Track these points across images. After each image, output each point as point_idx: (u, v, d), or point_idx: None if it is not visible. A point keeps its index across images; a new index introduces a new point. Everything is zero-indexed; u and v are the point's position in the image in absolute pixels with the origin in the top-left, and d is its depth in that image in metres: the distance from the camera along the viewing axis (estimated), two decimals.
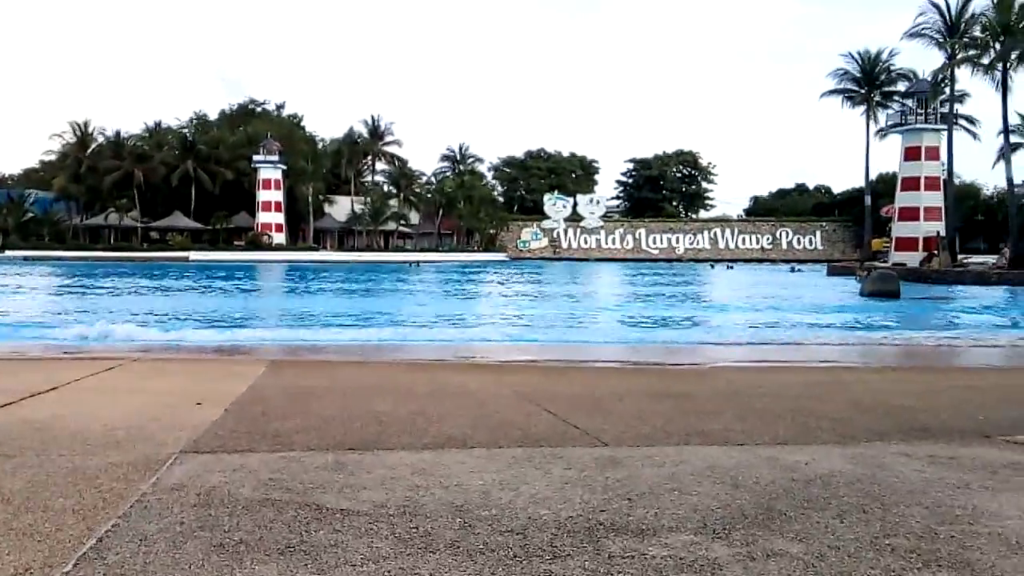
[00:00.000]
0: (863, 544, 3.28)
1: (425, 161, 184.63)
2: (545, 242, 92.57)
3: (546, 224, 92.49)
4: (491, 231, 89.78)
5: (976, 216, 74.15)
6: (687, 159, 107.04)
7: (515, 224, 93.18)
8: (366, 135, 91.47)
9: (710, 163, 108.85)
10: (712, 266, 73.30)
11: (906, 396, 7.46)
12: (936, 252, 50.13)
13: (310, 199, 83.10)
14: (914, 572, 3.00)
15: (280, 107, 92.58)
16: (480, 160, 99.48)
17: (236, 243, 77.60)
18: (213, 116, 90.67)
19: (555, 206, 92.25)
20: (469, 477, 4.24)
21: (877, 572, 3.01)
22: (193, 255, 70.83)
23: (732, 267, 71.32)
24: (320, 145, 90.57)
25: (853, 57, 65.15)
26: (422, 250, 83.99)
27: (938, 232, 52.26)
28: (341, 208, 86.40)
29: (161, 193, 78.24)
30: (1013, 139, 49.67)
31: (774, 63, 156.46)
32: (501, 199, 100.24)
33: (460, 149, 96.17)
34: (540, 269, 66.30)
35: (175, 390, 7.15)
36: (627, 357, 12.92)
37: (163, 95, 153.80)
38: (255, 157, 79.09)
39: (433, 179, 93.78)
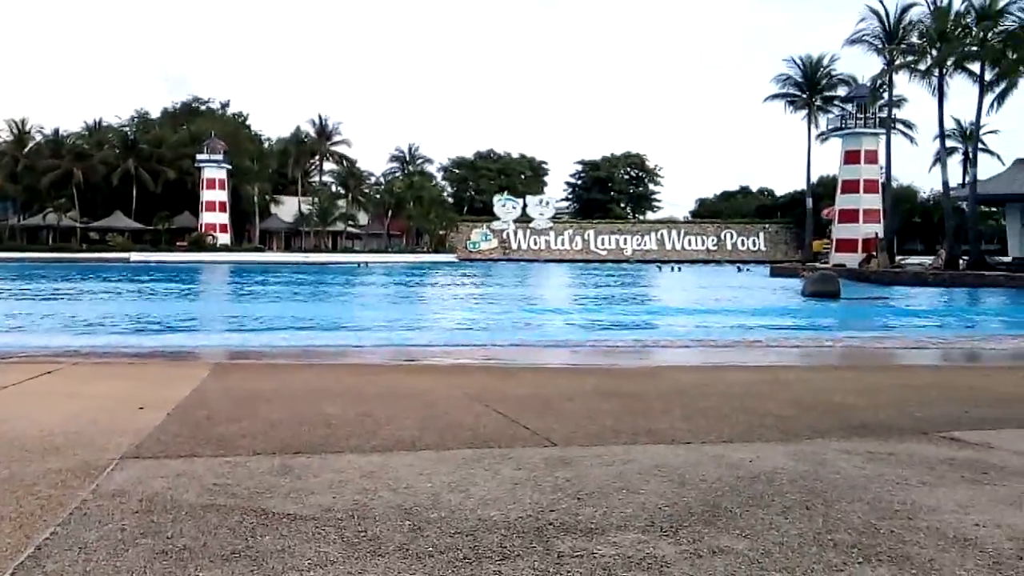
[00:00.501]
0: (806, 540, 3.35)
1: (374, 161, 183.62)
2: (495, 243, 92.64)
3: (496, 225, 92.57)
4: (441, 232, 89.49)
5: (913, 218, 76.28)
6: (635, 161, 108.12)
7: (465, 225, 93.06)
8: (313, 134, 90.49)
9: (657, 165, 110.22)
10: (660, 268, 74.15)
11: (846, 394, 7.64)
12: (875, 253, 51.49)
13: (256, 199, 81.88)
14: (855, 567, 3.07)
15: (225, 105, 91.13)
16: (430, 161, 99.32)
17: (179, 244, 76.08)
18: (155, 114, 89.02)
19: (505, 207, 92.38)
20: (418, 479, 4.22)
21: (820, 567, 3.07)
22: (134, 256, 69.26)
23: (680, 269, 72.22)
24: (266, 144, 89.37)
25: (795, 62, 66.70)
26: (371, 251, 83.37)
27: (877, 234, 53.69)
28: (288, 208, 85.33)
29: (101, 193, 76.29)
30: (948, 143, 51.46)
31: (720, 67, 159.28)
32: (451, 200, 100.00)
33: (410, 149, 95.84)
34: (490, 270, 66.34)
35: (116, 394, 6.97)
36: (577, 358, 13.01)
37: (103, 93, 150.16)
38: (199, 156, 77.64)
39: (382, 179, 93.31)
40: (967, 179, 45.94)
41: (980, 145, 50.29)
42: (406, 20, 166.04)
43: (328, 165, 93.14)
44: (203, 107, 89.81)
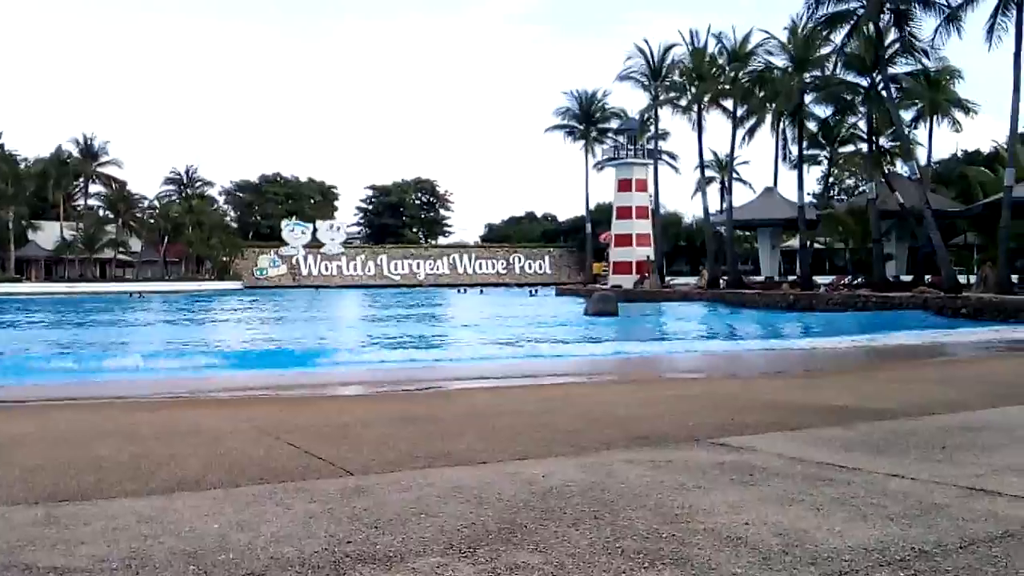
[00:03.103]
0: (596, 549, 3.50)
1: (148, 184, 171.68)
2: (284, 269, 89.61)
3: (284, 251, 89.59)
4: (224, 259, 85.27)
5: (679, 242, 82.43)
6: (425, 187, 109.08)
7: (251, 251, 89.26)
8: (77, 155, 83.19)
9: (448, 191, 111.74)
10: (460, 291, 74.90)
11: (629, 407, 8.10)
12: (647, 274, 55.24)
13: (11, 225, 73.91)
14: (641, 571, 3.25)
15: None
16: (210, 184, 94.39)
17: None
18: None
19: (293, 232, 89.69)
20: (204, 521, 3.97)
21: (609, 575, 3.22)
22: None
23: (483, 291, 73.39)
24: (22, 165, 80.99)
25: (573, 95, 70.23)
26: (146, 280, 77.82)
27: (648, 256, 57.62)
28: (49, 235, 77.66)
29: None
30: (707, 173, 55.93)
31: (507, 96, 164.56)
32: (235, 225, 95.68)
33: (188, 172, 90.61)
34: (278, 297, 64.07)
35: None
36: (373, 384, 12.84)
37: None
38: None
39: (157, 203, 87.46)
40: (724, 206, 50.36)
41: (735, 175, 55.32)
42: (182, 32, 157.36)
43: (95, 187, 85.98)
44: None
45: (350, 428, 6.85)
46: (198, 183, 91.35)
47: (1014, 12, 29.58)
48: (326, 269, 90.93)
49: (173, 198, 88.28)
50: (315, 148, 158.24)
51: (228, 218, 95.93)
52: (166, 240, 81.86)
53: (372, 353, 19.01)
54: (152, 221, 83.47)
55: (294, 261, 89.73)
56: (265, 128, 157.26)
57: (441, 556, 3.42)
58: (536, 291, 71.65)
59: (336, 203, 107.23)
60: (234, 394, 10.97)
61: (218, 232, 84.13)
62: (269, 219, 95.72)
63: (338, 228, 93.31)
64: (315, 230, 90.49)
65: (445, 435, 6.43)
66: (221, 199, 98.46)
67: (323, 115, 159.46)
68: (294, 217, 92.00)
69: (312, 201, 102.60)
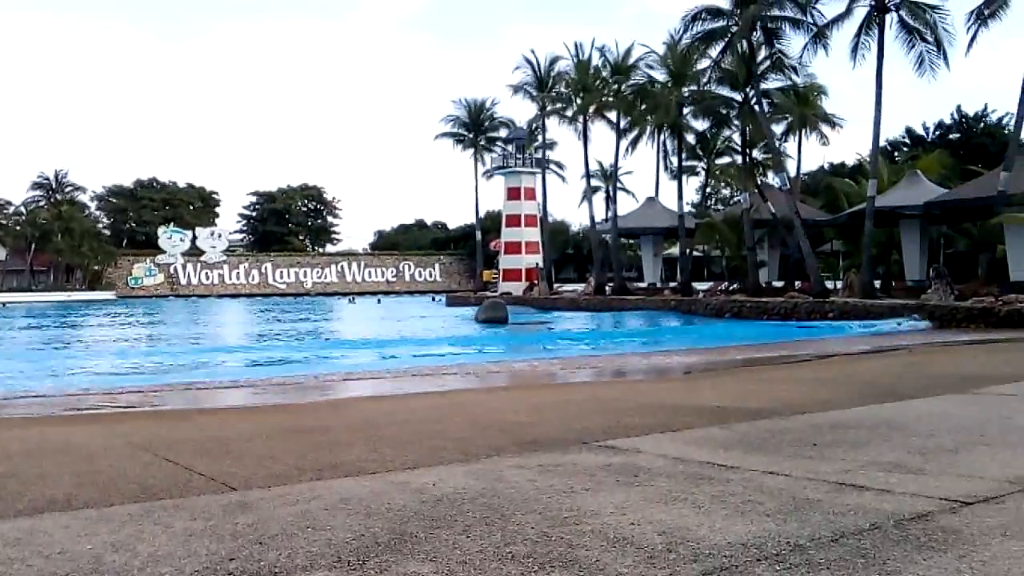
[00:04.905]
0: (487, 555, 3.52)
1: (12, 189, 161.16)
2: (161, 278, 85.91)
3: (161, 259, 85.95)
4: (96, 267, 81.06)
5: (567, 249, 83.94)
6: (312, 193, 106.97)
7: (126, 260, 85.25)
8: None
9: (335, 198, 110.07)
10: (350, 300, 73.62)
11: (518, 412, 8.18)
12: (537, 282, 55.98)
13: None
14: (532, 575, 3.29)
15: None
16: (82, 189, 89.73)
17: None
18: None
19: (171, 240, 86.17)
20: (76, 542, 3.76)
21: None
22: None
23: (380, 300, 72.35)
24: None
25: (463, 103, 70.48)
26: (10, 290, 73.12)
27: (537, 264, 58.43)
28: None
29: None
30: (593, 182, 57.16)
31: (395, 102, 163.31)
32: (108, 232, 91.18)
33: (56, 176, 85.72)
34: (154, 307, 61.37)
35: None
36: (257, 396, 12.47)
37: None
38: None
39: (23, 209, 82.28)
40: (609, 215, 51.56)
41: (619, 184, 56.68)
42: (49, 29, 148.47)
43: None
44: None
45: (233, 442, 6.64)
46: (68, 188, 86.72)
47: (876, 32, 31.63)
48: (207, 278, 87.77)
49: (41, 204, 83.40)
50: (195, 152, 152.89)
51: (101, 225, 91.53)
52: (33, 248, 77.18)
53: (257, 364, 18.50)
54: (18, 228, 78.57)
55: (172, 270, 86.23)
56: (141, 131, 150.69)
57: (329, 570, 3.36)
58: (436, 298, 71.37)
59: (217, 209, 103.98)
60: (109, 409, 10.44)
61: (89, 240, 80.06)
62: (145, 226, 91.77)
63: (219, 235, 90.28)
64: (195, 237, 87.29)
65: (333, 446, 6.32)
66: (93, 205, 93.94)
67: (203, 119, 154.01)
68: (172, 224, 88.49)
69: (191, 207, 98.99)
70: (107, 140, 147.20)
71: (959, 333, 22.72)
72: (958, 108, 56.19)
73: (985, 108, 55.93)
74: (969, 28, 29.90)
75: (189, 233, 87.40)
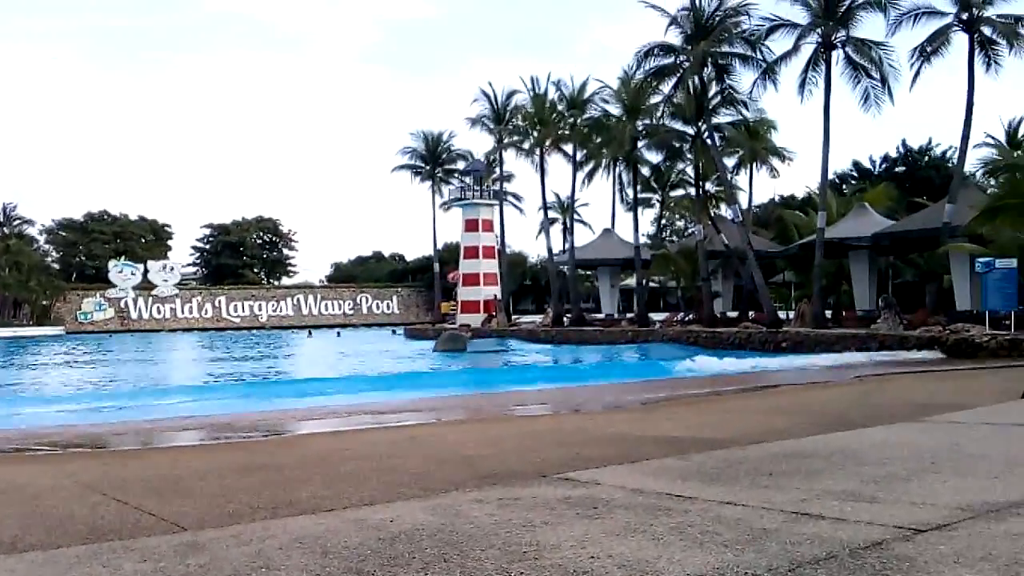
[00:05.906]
0: None
1: None
2: (111, 313, 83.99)
3: (112, 293, 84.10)
4: (44, 302, 79.11)
5: (525, 280, 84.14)
6: (267, 226, 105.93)
7: (75, 294, 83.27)
8: None
9: (291, 230, 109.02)
10: (308, 334, 72.70)
11: (477, 446, 8.13)
12: (495, 313, 56.00)
13: None
14: None
15: None
16: (30, 222, 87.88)
17: None
18: None
19: (122, 273, 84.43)
20: None
21: None
22: None
23: (340, 333, 71.58)
24: None
25: (421, 135, 70.69)
26: None
27: (496, 295, 58.49)
28: None
29: None
30: (550, 214, 57.56)
31: (351, 134, 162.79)
32: (57, 266, 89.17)
33: (4, 209, 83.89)
34: (103, 343, 59.97)
35: None
36: (210, 434, 12.22)
37: None
38: None
39: None
40: (567, 246, 51.93)
41: (576, 216, 57.29)
42: None
43: None
44: None
45: (184, 480, 6.49)
46: (16, 221, 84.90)
47: (823, 68, 32.59)
48: (159, 312, 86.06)
49: None
50: (147, 185, 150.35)
51: (50, 259, 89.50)
52: None
53: (209, 401, 18.16)
54: None
55: (123, 304, 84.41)
56: (92, 164, 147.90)
57: None
58: (396, 331, 70.98)
59: (170, 242, 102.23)
60: (55, 448, 10.14)
61: (38, 274, 78.27)
62: (95, 260, 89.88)
63: (172, 268, 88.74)
64: (146, 271, 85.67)
65: (288, 483, 6.21)
66: (42, 238, 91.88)
67: (157, 151, 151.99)
68: (123, 257, 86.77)
69: (143, 240, 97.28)
70: (57, 172, 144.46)
71: (909, 364, 23.20)
72: (903, 142, 57.83)
73: (930, 142, 57.64)
74: (913, 64, 31.00)
75: (141, 267, 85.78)
